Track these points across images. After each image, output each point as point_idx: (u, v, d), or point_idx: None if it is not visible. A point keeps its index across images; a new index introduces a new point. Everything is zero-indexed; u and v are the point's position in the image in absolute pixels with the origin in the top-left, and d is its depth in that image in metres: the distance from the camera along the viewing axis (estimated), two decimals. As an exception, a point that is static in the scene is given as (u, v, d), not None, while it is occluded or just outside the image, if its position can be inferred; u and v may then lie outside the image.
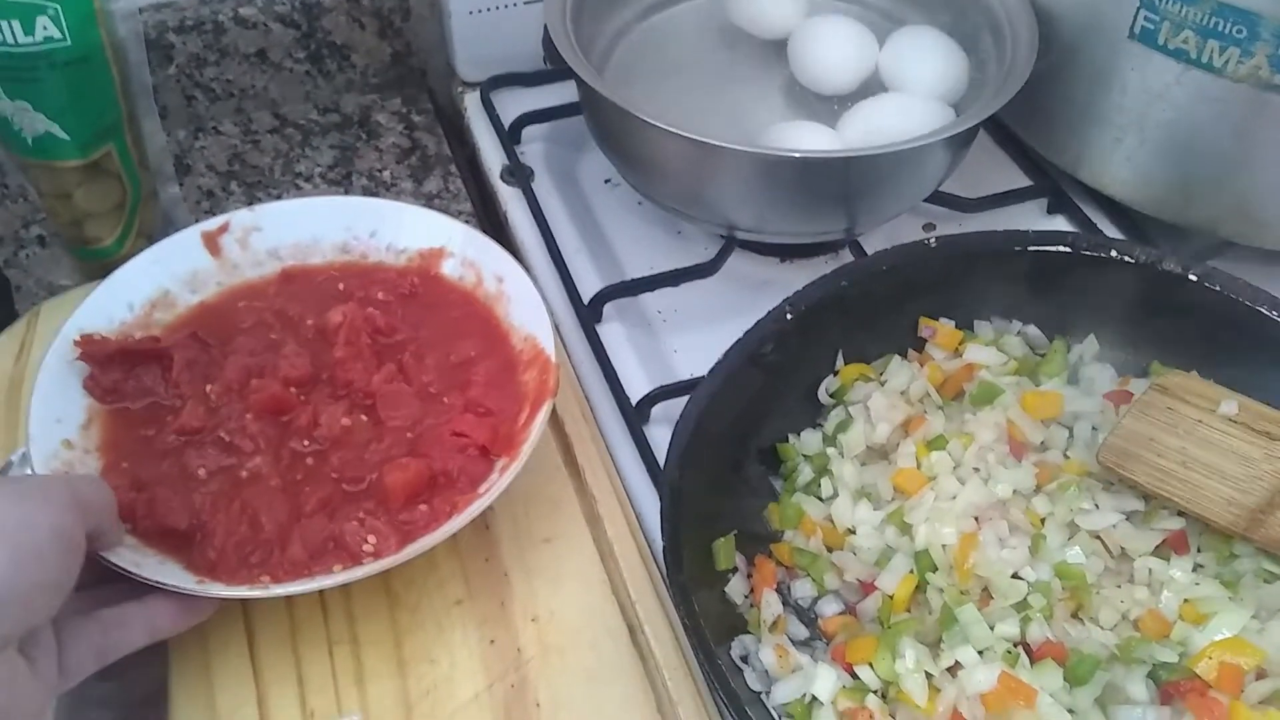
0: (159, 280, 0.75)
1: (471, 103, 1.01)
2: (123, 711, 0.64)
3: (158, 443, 0.69)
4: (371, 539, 0.63)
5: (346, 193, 0.93)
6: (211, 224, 0.76)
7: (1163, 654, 0.61)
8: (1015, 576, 0.64)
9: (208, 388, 0.71)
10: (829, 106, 0.88)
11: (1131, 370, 0.76)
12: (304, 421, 0.69)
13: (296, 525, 0.64)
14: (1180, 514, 0.67)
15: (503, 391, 0.70)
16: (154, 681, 0.64)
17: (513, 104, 0.99)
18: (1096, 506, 0.68)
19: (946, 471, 0.69)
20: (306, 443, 0.68)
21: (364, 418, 0.69)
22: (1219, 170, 0.82)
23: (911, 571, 0.65)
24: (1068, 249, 0.75)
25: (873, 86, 0.89)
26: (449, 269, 0.78)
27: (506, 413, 0.69)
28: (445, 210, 0.92)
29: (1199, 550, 0.67)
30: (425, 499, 0.65)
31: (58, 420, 0.67)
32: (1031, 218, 0.92)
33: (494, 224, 0.96)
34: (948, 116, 0.84)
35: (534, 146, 0.98)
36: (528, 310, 0.73)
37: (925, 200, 0.87)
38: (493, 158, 0.97)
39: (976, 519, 0.67)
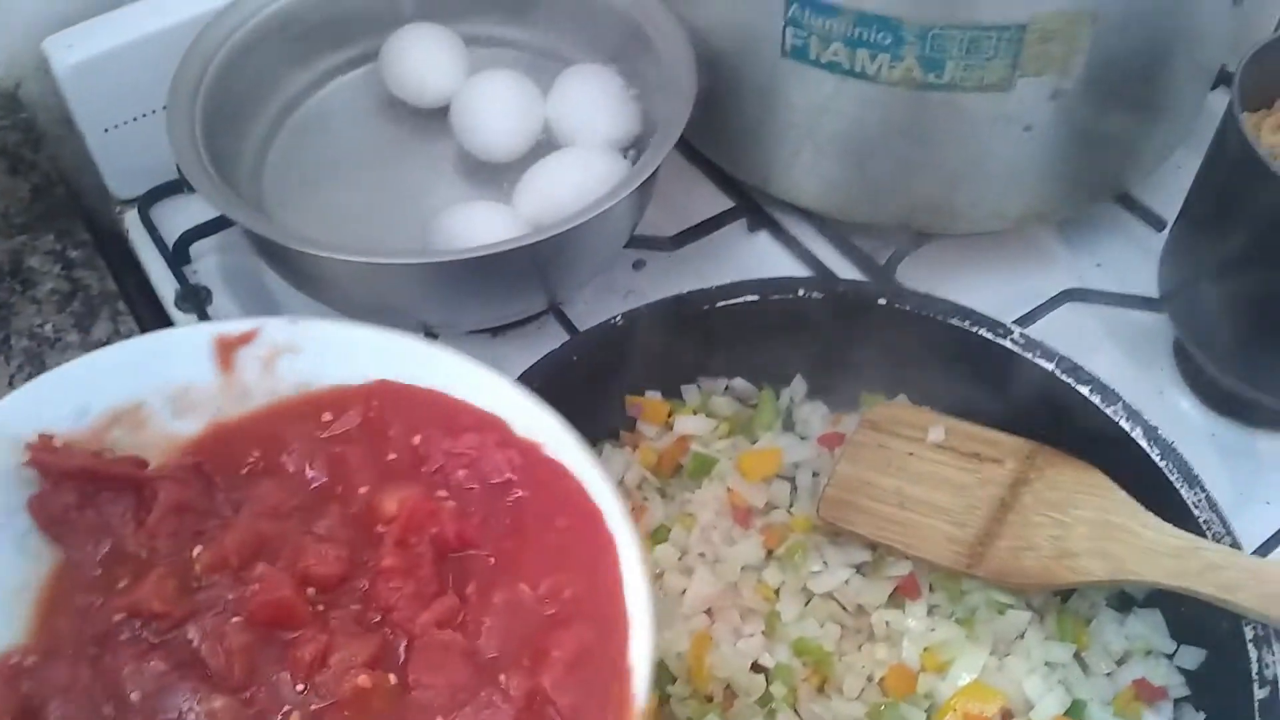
0: (133, 386, 0.54)
1: (133, 222, 0.92)
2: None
3: (95, 619, 0.47)
4: None
5: (6, 360, 0.84)
6: (232, 327, 0.56)
7: (911, 714, 0.61)
8: (755, 667, 0.63)
9: (195, 550, 0.50)
10: (505, 173, 0.83)
11: (844, 405, 0.75)
12: (309, 654, 0.47)
13: None
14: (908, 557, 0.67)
15: (590, 682, 0.45)
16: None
17: (179, 215, 0.91)
18: (826, 564, 0.67)
19: (671, 567, 0.66)
20: (300, 688, 0.46)
21: (392, 678, 0.47)
22: (897, 170, 0.80)
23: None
24: (754, 297, 0.73)
25: (545, 144, 0.84)
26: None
27: None
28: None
29: (931, 590, 0.66)
30: None
31: None
32: (736, 238, 0.90)
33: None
34: (623, 164, 0.81)
35: (208, 261, 0.89)
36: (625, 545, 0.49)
37: (625, 246, 0.84)
38: (165, 284, 0.88)
39: (708, 612, 0.65)
